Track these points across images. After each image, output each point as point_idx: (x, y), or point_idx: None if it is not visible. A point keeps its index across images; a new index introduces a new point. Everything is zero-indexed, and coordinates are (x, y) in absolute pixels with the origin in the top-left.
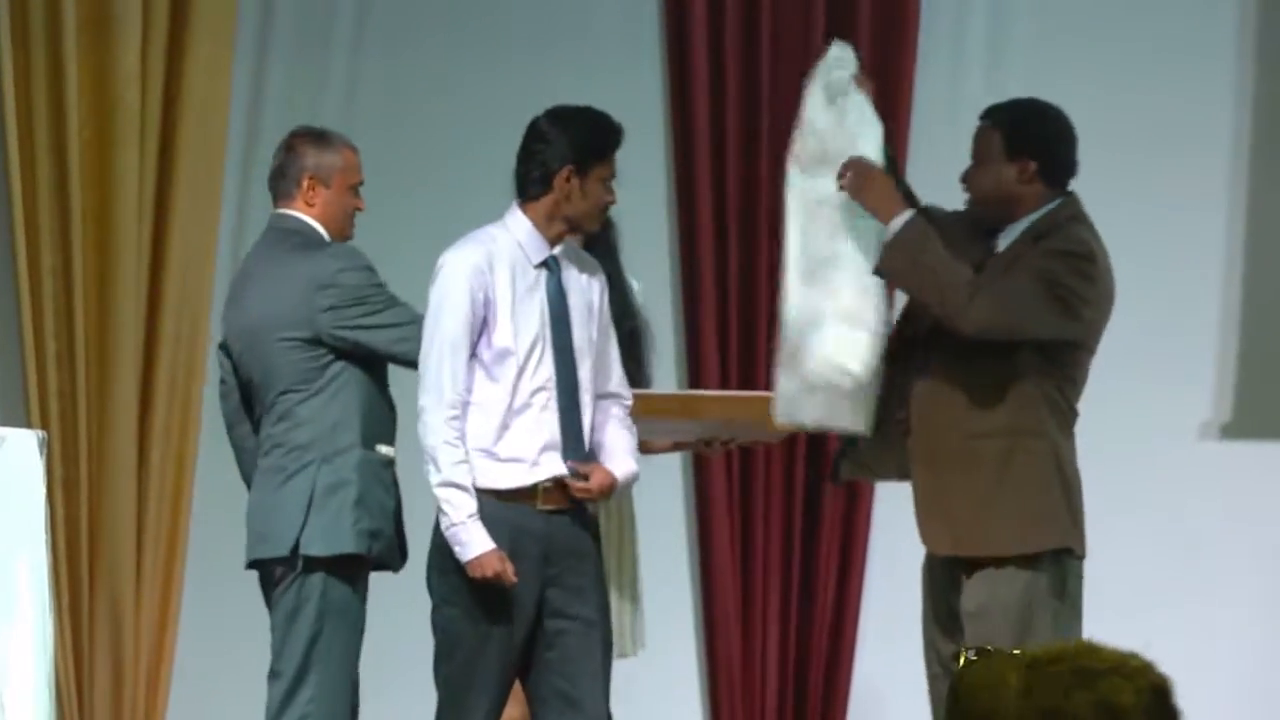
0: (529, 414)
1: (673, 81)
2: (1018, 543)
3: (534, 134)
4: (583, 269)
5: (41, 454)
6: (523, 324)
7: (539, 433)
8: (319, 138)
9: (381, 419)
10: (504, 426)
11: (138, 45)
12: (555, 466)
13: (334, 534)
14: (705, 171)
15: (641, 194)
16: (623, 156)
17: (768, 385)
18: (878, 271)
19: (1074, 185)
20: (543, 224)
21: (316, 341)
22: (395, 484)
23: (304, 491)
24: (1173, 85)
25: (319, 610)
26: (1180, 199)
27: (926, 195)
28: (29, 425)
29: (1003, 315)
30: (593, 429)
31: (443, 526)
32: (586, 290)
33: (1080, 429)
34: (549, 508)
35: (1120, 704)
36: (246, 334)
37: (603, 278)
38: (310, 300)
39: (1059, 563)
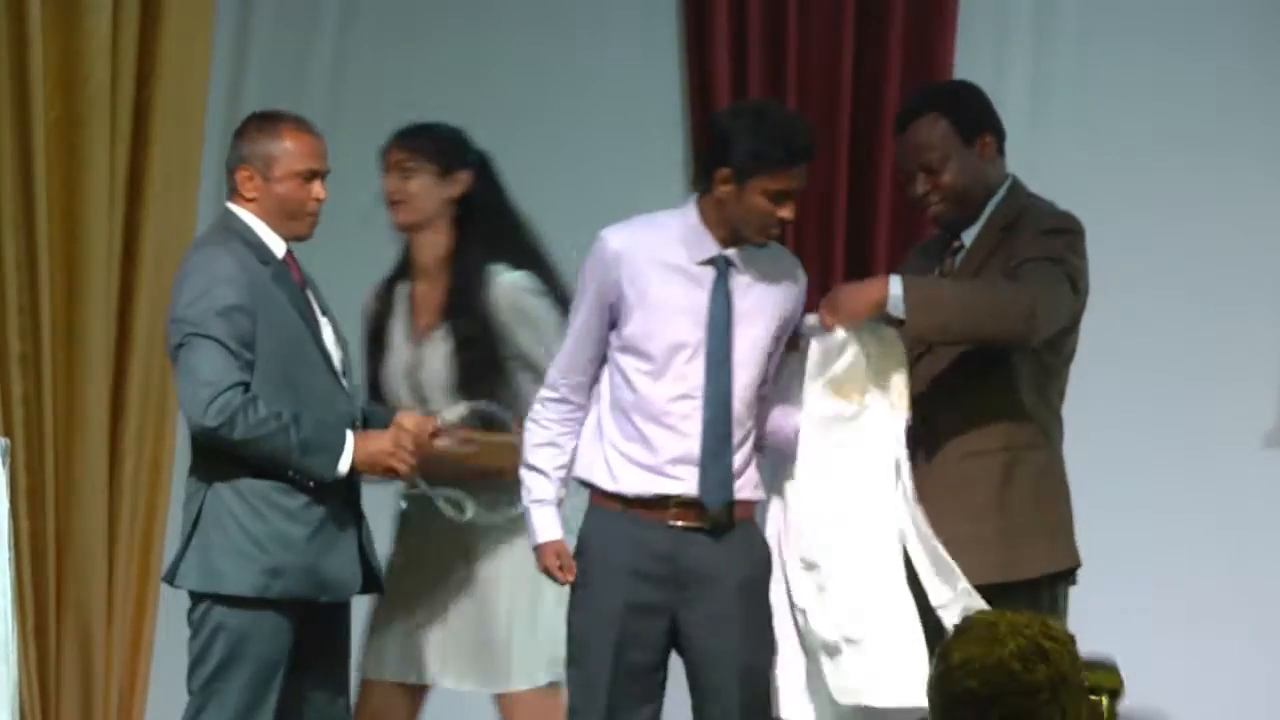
0: (669, 420)
1: (692, 63)
2: (1031, 564)
3: (712, 124)
4: (777, 274)
5: (4, 463)
6: (663, 320)
7: (677, 443)
8: (262, 121)
9: None
10: (637, 429)
11: (109, 16)
12: (692, 482)
13: (210, 570)
14: None
15: (658, 186)
16: (637, 148)
17: None
18: (918, 338)
19: (1129, 178)
20: (710, 221)
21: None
22: (322, 505)
23: (190, 518)
24: (1234, 70)
25: (219, 649)
26: (1244, 192)
27: None
28: None
29: (1054, 312)
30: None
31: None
32: (773, 296)
33: (1144, 436)
34: (681, 524)
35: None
36: None
37: (802, 284)
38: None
39: (1057, 583)
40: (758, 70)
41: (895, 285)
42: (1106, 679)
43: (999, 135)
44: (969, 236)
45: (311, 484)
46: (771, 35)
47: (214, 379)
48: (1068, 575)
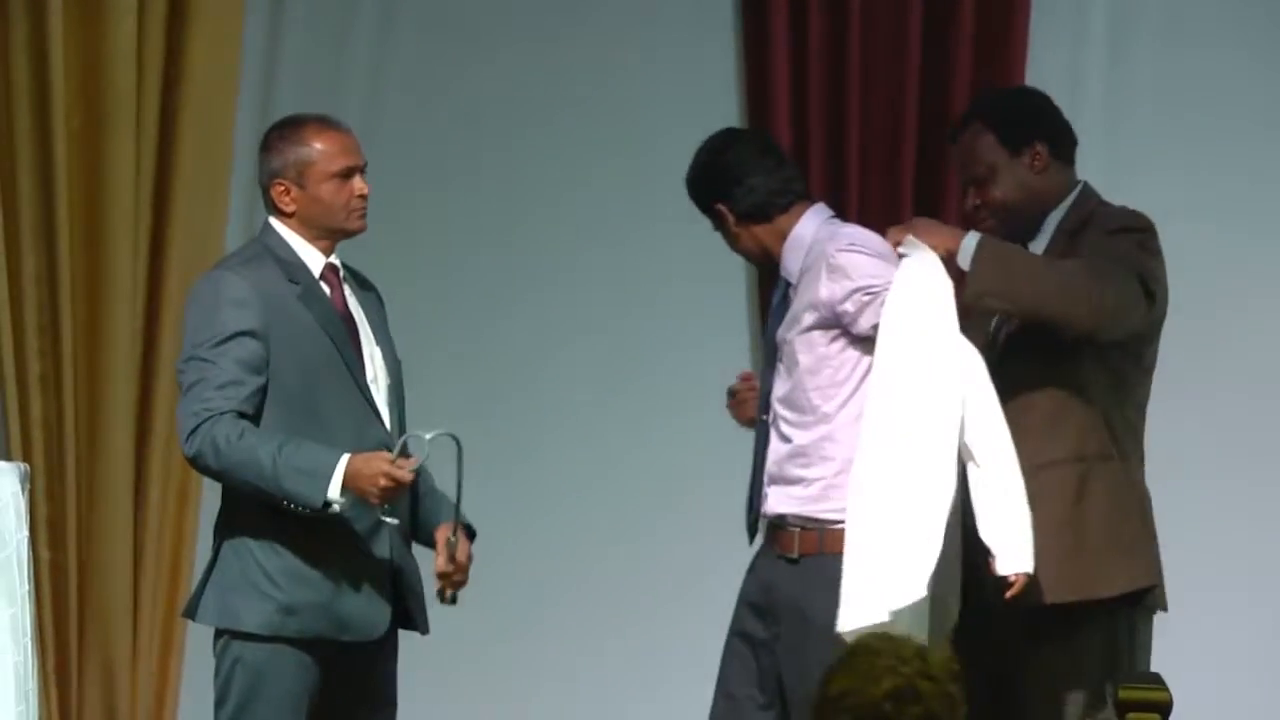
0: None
1: (749, 55)
2: (1107, 583)
3: None
4: None
5: (23, 490)
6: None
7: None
8: (285, 129)
9: None
10: None
11: (133, 18)
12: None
13: (226, 605)
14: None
15: None
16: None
17: None
18: (976, 294)
19: (1206, 172)
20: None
21: None
22: (346, 542)
23: (214, 551)
24: None
25: (237, 685)
26: None
27: None
28: (9, 457)
29: (1123, 310)
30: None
31: None
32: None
33: (1233, 449)
34: (776, 551)
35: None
36: None
37: None
38: None
39: (1137, 604)
40: (817, 77)
41: (970, 238)
42: (1156, 695)
43: (1055, 143)
44: (1036, 246)
45: (305, 510)
46: (832, 39)
47: (198, 409)
48: (1147, 600)
